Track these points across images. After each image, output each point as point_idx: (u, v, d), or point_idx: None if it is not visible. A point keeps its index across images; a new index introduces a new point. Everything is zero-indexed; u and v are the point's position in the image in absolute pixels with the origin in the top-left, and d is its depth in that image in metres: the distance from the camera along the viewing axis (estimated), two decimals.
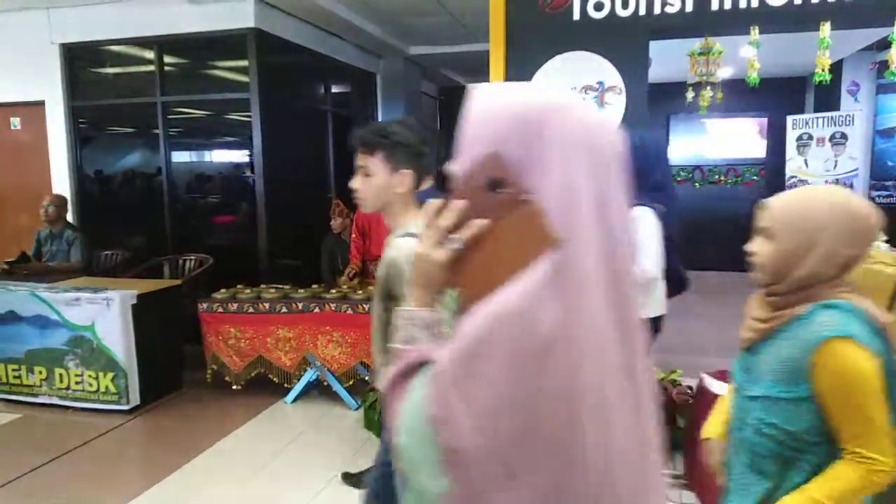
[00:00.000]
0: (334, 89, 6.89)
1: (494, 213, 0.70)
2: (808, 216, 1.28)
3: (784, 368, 1.32)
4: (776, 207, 1.33)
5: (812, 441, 1.31)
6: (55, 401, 4.23)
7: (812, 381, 1.27)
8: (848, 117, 7.39)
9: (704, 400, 2.54)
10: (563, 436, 0.65)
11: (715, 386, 2.57)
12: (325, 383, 4.23)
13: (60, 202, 5.01)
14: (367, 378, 4.27)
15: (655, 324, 2.63)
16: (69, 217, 5.26)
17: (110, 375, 4.10)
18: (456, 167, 0.73)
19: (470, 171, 0.71)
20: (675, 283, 2.74)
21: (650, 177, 2.53)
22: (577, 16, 4.37)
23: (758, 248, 1.35)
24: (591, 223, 0.68)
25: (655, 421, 0.76)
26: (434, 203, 0.74)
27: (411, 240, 1.63)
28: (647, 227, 2.45)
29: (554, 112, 0.70)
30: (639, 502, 0.71)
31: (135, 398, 4.15)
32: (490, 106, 0.72)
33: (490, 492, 0.65)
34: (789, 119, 7.87)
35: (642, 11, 4.25)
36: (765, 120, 8.72)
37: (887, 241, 3.31)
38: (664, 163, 2.63)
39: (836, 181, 7.49)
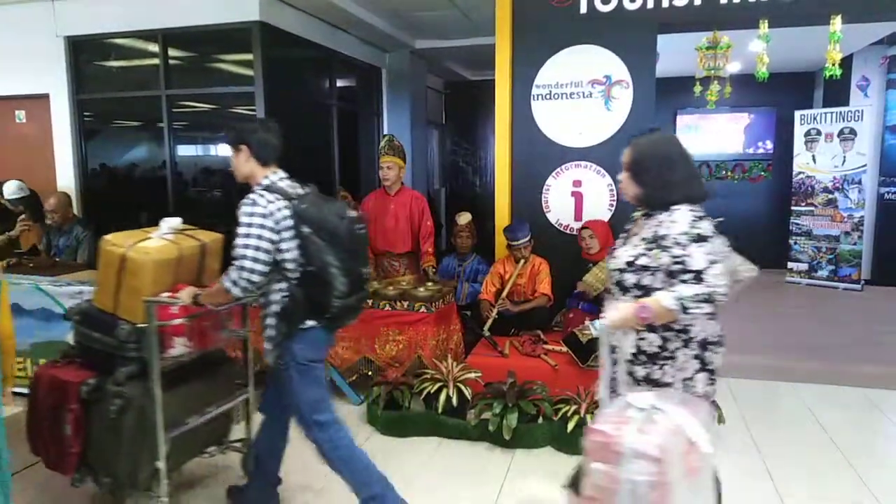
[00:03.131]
0: (339, 83, 6.85)
1: None
2: None
3: None
4: None
5: None
6: None
7: None
8: (857, 113, 7.32)
9: None
10: None
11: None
12: (329, 378, 4.21)
13: (61, 204, 4.77)
14: (370, 373, 4.26)
15: None
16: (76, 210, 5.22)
17: None
18: None
19: None
20: None
21: None
22: (584, 9, 4.33)
23: None
24: None
25: None
26: None
27: None
28: None
29: None
30: None
31: None
32: None
33: None
34: (798, 114, 7.82)
35: (650, 5, 4.21)
36: (773, 115, 8.66)
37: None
38: None
39: (845, 177, 7.43)
